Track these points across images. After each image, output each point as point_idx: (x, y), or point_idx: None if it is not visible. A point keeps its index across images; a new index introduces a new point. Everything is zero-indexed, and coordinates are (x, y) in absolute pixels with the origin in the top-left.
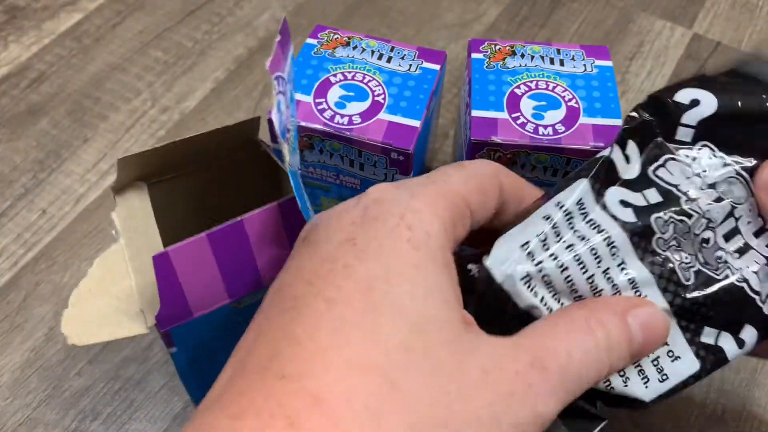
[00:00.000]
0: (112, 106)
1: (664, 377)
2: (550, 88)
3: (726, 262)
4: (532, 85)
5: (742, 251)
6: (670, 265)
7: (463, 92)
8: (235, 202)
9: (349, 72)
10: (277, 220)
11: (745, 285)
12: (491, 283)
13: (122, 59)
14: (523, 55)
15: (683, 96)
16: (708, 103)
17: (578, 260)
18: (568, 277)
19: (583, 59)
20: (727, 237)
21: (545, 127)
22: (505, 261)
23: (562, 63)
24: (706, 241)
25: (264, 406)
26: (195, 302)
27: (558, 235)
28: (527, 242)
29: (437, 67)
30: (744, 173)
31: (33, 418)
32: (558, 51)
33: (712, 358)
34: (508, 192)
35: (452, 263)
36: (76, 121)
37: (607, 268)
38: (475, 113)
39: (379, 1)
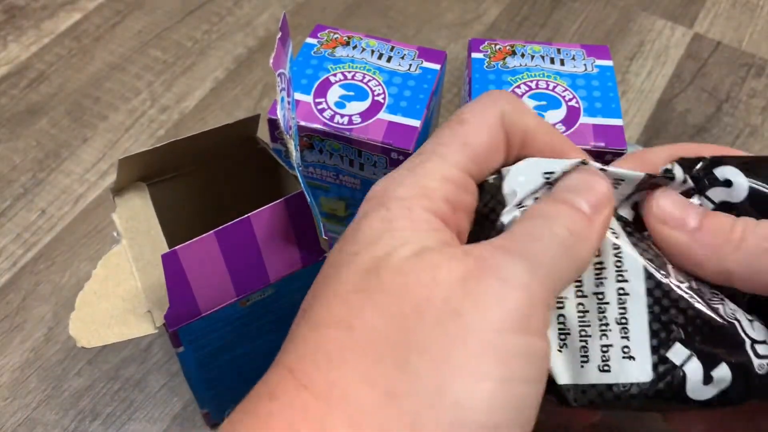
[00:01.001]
0: (111, 105)
1: (606, 368)
2: (551, 87)
3: (722, 299)
4: (533, 85)
5: (732, 299)
6: (662, 260)
7: (463, 92)
8: (235, 201)
9: (349, 72)
10: (284, 217)
11: (736, 323)
12: (497, 193)
13: (122, 59)
14: (523, 55)
15: (721, 172)
16: (738, 189)
17: None
18: None
19: (584, 59)
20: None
21: None
22: (520, 176)
23: (562, 63)
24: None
25: (256, 389)
26: (203, 301)
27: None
28: (552, 172)
29: (437, 66)
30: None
31: (32, 419)
32: (558, 51)
33: (668, 380)
34: (513, 140)
35: (434, 225)
36: (75, 121)
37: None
38: None
39: (379, 1)
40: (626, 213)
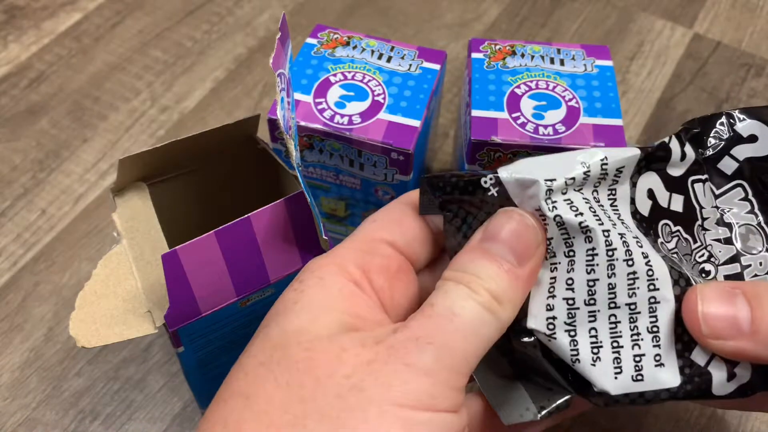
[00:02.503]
0: (111, 105)
1: (639, 377)
2: (551, 87)
3: None
4: (533, 85)
5: None
6: (675, 257)
7: (463, 92)
8: (235, 201)
9: (349, 72)
10: (284, 217)
11: None
12: (485, 194)
13: (122, 59)
14: (523, 55)
15: (744, 128)
16: (764, 144)
17: (595, 214)
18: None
19: (584, 59)
20: (731, 279)
21: (545, 127)
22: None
23: (562, 63)
24: (707, 272)
25: None
26: (203, 301)
27: (580, 187)
28: (554, 179)
29: (437, 66)
30: (766, 228)
31: (32, 418)
32: (558, 51)
33: (696, 381)
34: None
35: (350, 287)
36: (75, 121)
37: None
38: (475, 113)
39: (379, 1)
40: (640, 201)
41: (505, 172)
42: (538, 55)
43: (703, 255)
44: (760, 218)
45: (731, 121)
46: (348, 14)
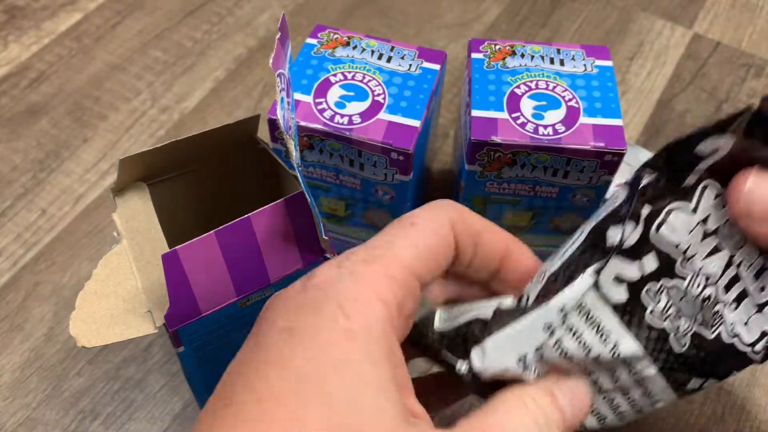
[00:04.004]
0: (111, 106)
1: (638, 413)
2: (550, 87)
3: (722, 316)
4: (532, 85)
5: (739, 299)
6: (664, 336)
7: (463, 92)
8: (235, 200)
9: (349, 72)
10: (284, 217)
11: (736, 340)
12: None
13: (122, 59)
14: (523, 55)
15: (706, 146)
16: (725, 148)
17: (571, 360)
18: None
19: (584, 59)
20: (728, 287)
21: (545, 127)
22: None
23: (562, 63)
24: (707, 298)
25: None
26: (203, 301)
27: (557, 343)
28: (525, 356)
29: (437, 67)
30: None
31: (33, 418)
32: (558, 51)
33: (690, 393)
34: (461, 240)
35: (396, 350)
36: (76, 121)
37: (598, 355)
38: (475, 113)
39: (379, 1)
40: (614, 291)
41: (478, 362)
42: (538, 55)
43: (699, 284)
44: None
45: (686, 151)
46: (348, 14)
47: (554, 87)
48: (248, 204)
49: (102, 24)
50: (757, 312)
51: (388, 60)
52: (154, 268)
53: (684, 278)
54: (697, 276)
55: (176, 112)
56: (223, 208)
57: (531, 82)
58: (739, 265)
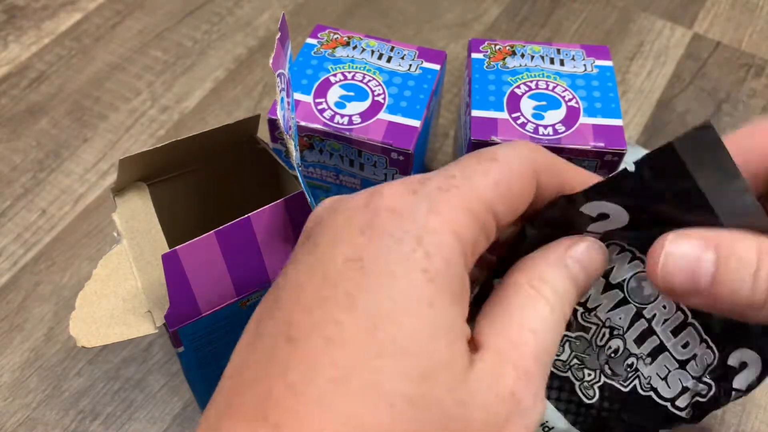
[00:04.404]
0: (111, 106)
1: None
2: (550, 88)
3: (636, 369)
4: (532, 85)
5: (654, 354)
6: (568, 386)
7: (463, 92)
8: (235, 200)
9: (349, 72)
10: (284, 217)
11: (652, 393)
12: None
13: (122, 59)
14: (523, 55)
15: (590, 209)
16: (617, 218)
17: None
18: None
19: (584, 59)
20: (640, 340)
21: (545, 127)
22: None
23: (562, 63)
24: (615, 351)
25: None
26: (203, 301)
27: None
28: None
29: (437, 67)
30: None
31: (33, 418)
32: (558, 51)
33: None
34: (544, 184)
35: (466, 292)
36: (76, 121)
37: None
38: (475, 113)
39: (379, 1)
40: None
41: None
42: (538, 55)
43: (603, 335)
44: (646, 261)
45: (574, 209)
46: (348, 14)
47: (554, 87)
48: (248, 204)
49: (102, 24)
50: (678, 368)
51: (388, 60)
52: (154, 268)
53: (588, 330)
54: (602, 327)
55: (176, 112)
56: (223, 208)
57: (531, 82)
58: (650, 320)
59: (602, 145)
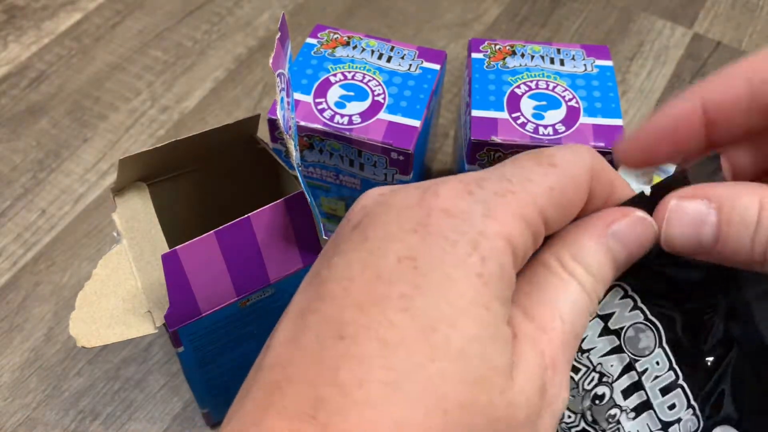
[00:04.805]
0: (111, 105)
1: None
2: (551, 87)
3: (618, 421)
4: (533, 85)
5: (640, 410)
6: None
7: (463, 92)
8: (235, 201)
9: (349, 72)
10: (284, 217)
11: None
12: None
13: (122, 59)
14: (523, 55)
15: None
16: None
17: None
18: None
19: (584, 59)
20: (628, 392)
21: (545, 127)
22: None
23: (562, 63)
24: (600, 397)
25: None
26: (203, 301)
27: None
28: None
29: (437, 66)
30: (656, 321)
31: (33, 418)
32: (558, 51)
33: None
34: (596, 192)
35: (513, 286)
36: (75, 121)
37: None
38: (475, 113)
39: (379, 1)
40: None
41: None
42: (538, 55)
43: (592, 379)
44: (647, 312)
45: None
46: (348, 14)
47: (554, 87)
48: (248, 204)
49: (102, 24)
50: (660, 429)
51: (388, 60)
52: (154, 268)
53: (578, 370)
54: (592, 371)
55: (176, 112)
56: (223, 208)
57: (531, 82)
58: (642, 373)
59: (602, 145)
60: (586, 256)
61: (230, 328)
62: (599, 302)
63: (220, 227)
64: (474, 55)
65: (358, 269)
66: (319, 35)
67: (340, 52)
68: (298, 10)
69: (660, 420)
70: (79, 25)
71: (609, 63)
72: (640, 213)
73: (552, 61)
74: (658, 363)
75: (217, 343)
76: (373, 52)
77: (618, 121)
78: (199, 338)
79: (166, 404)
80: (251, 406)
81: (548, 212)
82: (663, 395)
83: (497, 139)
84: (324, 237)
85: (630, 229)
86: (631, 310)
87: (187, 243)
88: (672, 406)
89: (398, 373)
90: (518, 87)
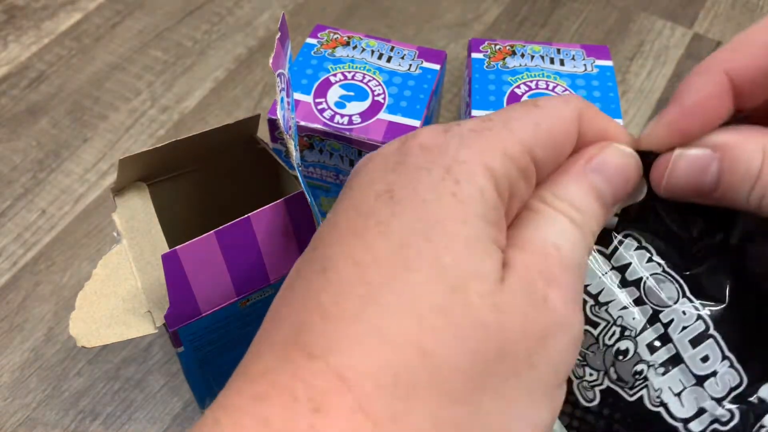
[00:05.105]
0: (111, 105)
1: None
2: (551, 87)
3: (646, 378)
4: (533, 85)
5: (669, 365)
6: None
7: (463, 92)
8: (235, 201)
9: (349, 72)
10: (284, 217)
11: (662, 410)
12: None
13: (122, 59)
14: (523, 55)
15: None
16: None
17: None
18: None
19: (584, 59)
20: (654, 346)
21: None
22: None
23: (562, 63)
24: (623, 353)
25: (288, 387)
26: (203, 301)
27: None
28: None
29: (437, 66)
30: (674, 273)
31: (33, 418)
32: (558, 51)
33: None
34: (586, 132)
35: (503, 221)
36: (75, 121)
37: None
38: (475, 113)
39: (379, 1)
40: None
41: None
42: (538, 55)
43: (613, 333)
44: (663, 264)
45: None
46: (348, 14)
47: (554, 87)
48: (248, 204)
49: (102, 24)
50: (695, 384)
51: (388, 60)
52: (154, 268)
53: (596, 325)
54: (612, 325)
55: (176, 112)
56: (223, 208)
57: (531, 82)
58: (667, 325)
59: None
60: (568, 193)
61: (230, 328)
62: (593, 237)
63: (220, 227)
64: (474, 55)
65: (342, 214)
66: (319, 35)
67: (340, 52)
68: (298, 10)
69: (693, 374)
70: (79, 25)
71: (609, 63)
72: (619, 145)
73: (552, 61)
74: (684, 313)
75: (217, 343)
76: (373, 52)
77: (618, 121)
78: (199, 338)
79: (166, 404)
80: (252, 347)
81: (536, 151)
82: (694, 347)
83: None
84: None
85: (610, 161)
86: (647, 261)
87: (187, 243)
88: (705, 358)
89: (372, 286)
90: (518, 87)
